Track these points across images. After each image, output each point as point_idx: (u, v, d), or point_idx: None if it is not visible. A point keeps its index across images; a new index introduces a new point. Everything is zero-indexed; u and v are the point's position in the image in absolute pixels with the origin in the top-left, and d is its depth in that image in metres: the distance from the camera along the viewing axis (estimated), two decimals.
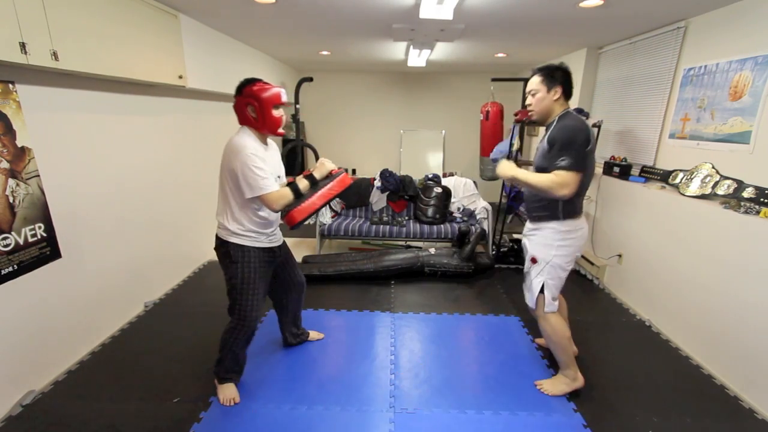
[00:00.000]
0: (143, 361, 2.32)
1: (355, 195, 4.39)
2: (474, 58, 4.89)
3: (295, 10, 2.85)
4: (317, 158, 4.94)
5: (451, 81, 6.59)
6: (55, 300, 2.16)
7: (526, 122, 3.75)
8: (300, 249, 4.23)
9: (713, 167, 2.53)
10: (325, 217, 4.10)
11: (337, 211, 4.40)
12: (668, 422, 1.94)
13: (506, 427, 1.90)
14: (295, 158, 5.81)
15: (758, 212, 2.14)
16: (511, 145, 3.94)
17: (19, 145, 1.89)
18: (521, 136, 3.86)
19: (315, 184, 1.84)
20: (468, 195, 4.49)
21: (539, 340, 2.58)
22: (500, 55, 4.61)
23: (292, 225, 1.77)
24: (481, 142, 5.41)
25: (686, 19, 2.85)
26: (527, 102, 1.95)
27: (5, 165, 1.83)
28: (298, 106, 5.58)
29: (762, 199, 2.17)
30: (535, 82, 1.90)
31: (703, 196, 2.52)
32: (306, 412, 1.95)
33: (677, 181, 2.77)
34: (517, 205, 4.09)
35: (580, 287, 3.46)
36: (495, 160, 4.50)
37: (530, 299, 2.05)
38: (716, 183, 2.47)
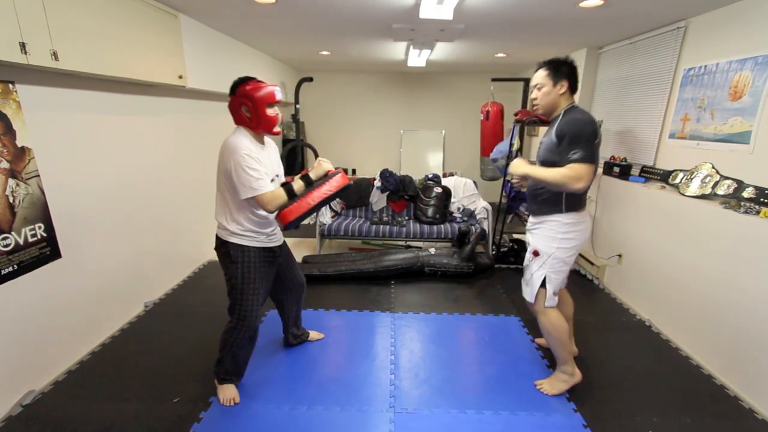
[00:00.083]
0: (143, 361, 2.32)
1: (355, 195, 4.39)
2: (474, 58, 4.89)
3: (295, 10, 2.85)
4: (317, 158, 4.96)
5: (451, 81, 6.59)
6: (55, 300, 2.16)
7: (527, 122, 3.75)
8: (300, 249, 4.23)
9: (713, 167, 2.53)
10: (325, 217, 4.10)
11: (337, 211, 4.40)
12: (668, 422, 1.94)
13: (506, 427, 1.90)
14: (295, 158, 5.82)
15: (758, 212, 2.14)
16: (511, 145, 3.94)
17: (19, 145, 1.89)
18: (521, 136, 3.86)
19: (310, 184, 1.82)
20: (468, 195, 4.49)
21: (539, 340, 2.57)
22: (500, 55, 4.61)
23: (283, 225, 1.75)
24: (482, 142, 5.40)
25: (686, 19, 2.85)
26: (532, 96, 1.94)
27: (5, 165, 1.83)
28: (298, 106, 5.59)
29: (762, 199, 2.17)
30: (541, 75, 1.89)
31: (703, 196, 2.52)
32: (306, 412, 1.95)
33: (677, 181, 2.77)
34: (517, 205, 4.09)
35: (580, 287, 3.46)
36: (495, 160, 4.50)
37: (529, 294, 2.03)
38: (716, 183, 2.47)
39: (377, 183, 4.34)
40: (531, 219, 2.07)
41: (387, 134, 6.86)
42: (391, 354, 2.44)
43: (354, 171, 6.99)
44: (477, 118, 5.54)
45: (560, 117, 1.85)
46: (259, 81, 1.75)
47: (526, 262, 2.07)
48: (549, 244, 1.93)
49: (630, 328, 2.82)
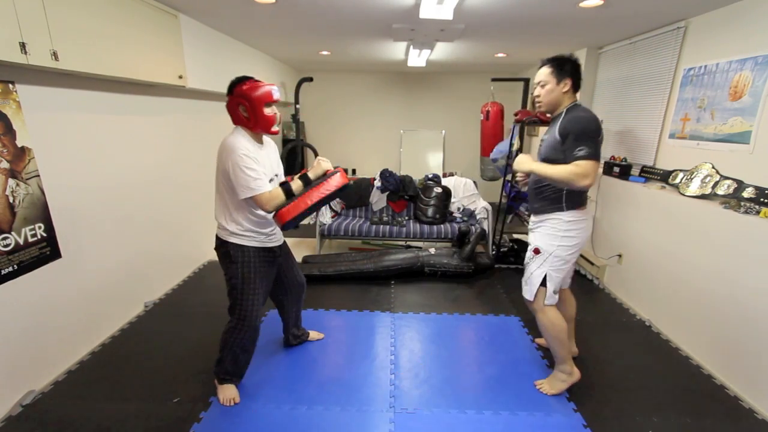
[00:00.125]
0: (143, 361, 2.32)
1: (355, 195, 4.39)
2: (474, 58, 4.89)
3: (295, 9, 2.85)
4: (317, 158, 4.95)
5: (451, 81, 6.59)
6: (55, 300, 2.16)
7: (527, 122, 3.75)
8: (300, 249, 4.23)
9: (713, 167, 2.53)
10: (325, 217, 4.10)
11: (337, 211, 4.40)
12: (668, 422, 1.94)
13: (506, 427, 1.90)
14: (295, 158, 5.82)
15: (758, 212, 2.13)
16: (511, 145, 3.94)
17: (19, 145, 1.89)
18: (521, 136, 3.86)
19: (309, 183, 1.79)
20: (468, 195, 4.49)
21: (539, 340, 2.57)
22: (500, 55, 4.61)
23: (281, 224, 1.73)
24: (482, 142, 5.41)
25: (686, 19, 2.85)
26: (535, 93, 1.93)
27: (5, 165, 1.83)
28: (298, 106, 5.59)
29: (762, 199, 2.17)
30: (545, 73, 1.88)
31: (703, 196, 2.52)
32: (306, 412, 1.95)
33: (677, 181, 2.77)
34: (517, 205, 4.09)
35: (580, 287, 3.45)
36: (495, 160, 4.50)
37: (529, 292, 2.02)
38: (716, 183, 2.47)
39: (377, 183, 4.34)
40: (532, 218, 2.07)
41: (387, 134, 6.86)
42: (391, 354, 2.44)
43: (354, 171, 6.99)
44: (477, 118, 5.55)
45: (563, 115, 1.85)
46: (257, 80, 1.74)
47: (526, 260, 2.07)
48: (550, 242, 1.93)
49: (630, 328, 2.82)
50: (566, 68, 1.84)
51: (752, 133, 2.28)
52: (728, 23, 2.51)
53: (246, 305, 1.88)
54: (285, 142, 6.02)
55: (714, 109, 2.55)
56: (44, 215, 2.04)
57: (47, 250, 2.07)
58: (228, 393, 2.00)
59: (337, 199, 4.28)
